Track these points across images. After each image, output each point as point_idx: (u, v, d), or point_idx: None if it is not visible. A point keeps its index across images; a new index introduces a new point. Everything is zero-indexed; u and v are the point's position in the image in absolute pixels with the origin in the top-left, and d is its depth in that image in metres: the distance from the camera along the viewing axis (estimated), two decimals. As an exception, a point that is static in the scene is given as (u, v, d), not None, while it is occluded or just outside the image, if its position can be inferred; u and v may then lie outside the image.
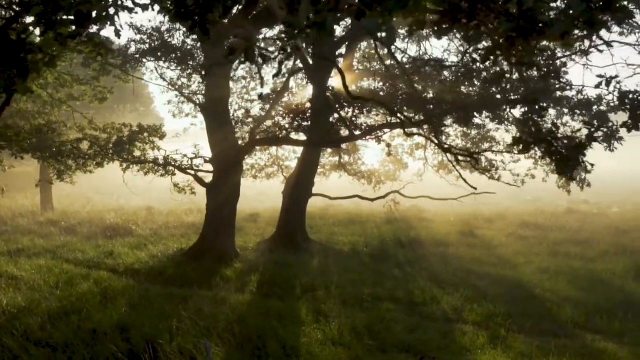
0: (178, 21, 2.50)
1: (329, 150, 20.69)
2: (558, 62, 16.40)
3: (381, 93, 10.29)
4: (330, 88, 13.24)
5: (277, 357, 6.52)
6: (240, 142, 13.54)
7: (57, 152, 13.70)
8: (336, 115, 13.27)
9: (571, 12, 2.15)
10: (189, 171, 13.46)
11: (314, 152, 15.39)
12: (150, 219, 19.94)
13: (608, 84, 4.28)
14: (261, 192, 31.01)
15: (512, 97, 11.47)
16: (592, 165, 14.95)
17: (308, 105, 12.75)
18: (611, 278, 11.35)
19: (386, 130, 12.22)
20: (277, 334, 7.18)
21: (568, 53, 9.46)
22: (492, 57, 3.67)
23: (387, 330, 7.80)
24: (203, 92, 13.09)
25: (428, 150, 20.07)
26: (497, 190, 19.35)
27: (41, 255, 13.05)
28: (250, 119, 12.74)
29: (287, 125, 12.55)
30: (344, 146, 21.03)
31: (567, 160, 3.62)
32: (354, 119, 12.28)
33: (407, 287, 10.56)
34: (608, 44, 6.51)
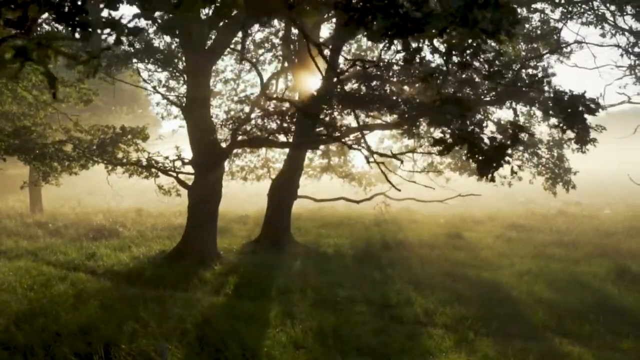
0: (60, 23, 2.50)
1: (318, 152, 20.69)
2: (545, 62, 16.34)
3: (356, 95, 10.28)
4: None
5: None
6: (222, 143, 13.53)
7: (40, 154, 13.72)
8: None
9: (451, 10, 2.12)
10: (170, 173, 13.45)
11: (299, 153, 15.37)
12: (138, 221, 19.96)
13: (540, 82, 4.23)
14: (254, 193, 30.97)
15: (490, 98, 11.49)
16: (575, 173, 15.02)
17: (288, 106, 12.74)
18: (590, 280, 11.27)
19: (366, 131, 12.21)
20: (240, 336, 7.15)
21: (546, 52, 9.42)
22: (417, 56, 3.65)
23: (353, 332, 7.75)
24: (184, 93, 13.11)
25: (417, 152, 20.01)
26: (488, 193, 19.28)
27: (22, 257, 13.07)
28: (230, 120, 12.71)
29: (268, 127, 12.54)
30: (332, 148, 21.04)
31: (490, 162, 3.58)
32: (337, 119, 12.29)
33: (383, 289, 10.50)
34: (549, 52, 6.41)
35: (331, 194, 19.75)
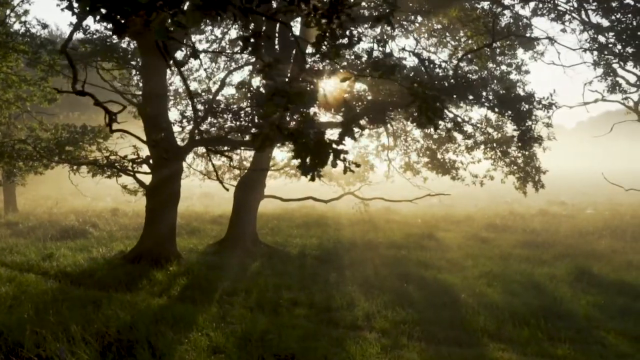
0: None
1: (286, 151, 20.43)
2: (518, 60, 15.97)
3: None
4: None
5: (141, 365, 6.28)
6: (180, 142, 13.35)
7: (-1, 153, 13.62)
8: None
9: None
10: (128, 172, 13.28)
11: (264, 153, 15.16)
12: (112, 221, 19.84)
13: (369, 54, 3.91)
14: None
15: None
16: (545, 172, 14.69)
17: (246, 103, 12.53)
18: (547, 282, 10.96)
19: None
20: (157, 340, 6.94)
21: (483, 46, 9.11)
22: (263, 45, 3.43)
23: (280, 337, 7.50)
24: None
25: (393, 151, 19.71)
26: (475, 193, 18.93)
27: (-22, 258, 12.93)
28: (184, 119, 12.52)
29: (225, 125, 12.33)
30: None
31: (315, 160, 3.35)
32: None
33: (331, 292, 10.25)
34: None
35: (311, 193, 19.51)
